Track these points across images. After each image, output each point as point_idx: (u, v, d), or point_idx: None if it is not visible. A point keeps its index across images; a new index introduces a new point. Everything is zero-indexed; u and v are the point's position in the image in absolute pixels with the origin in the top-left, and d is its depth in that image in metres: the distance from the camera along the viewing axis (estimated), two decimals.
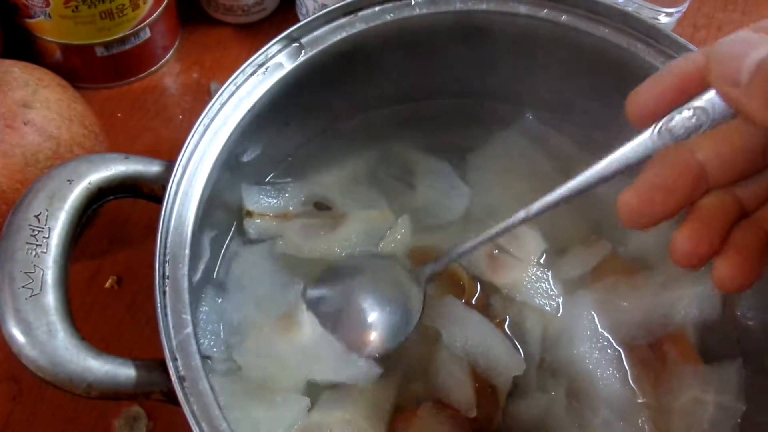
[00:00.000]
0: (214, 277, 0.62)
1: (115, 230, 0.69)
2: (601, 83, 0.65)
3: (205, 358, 0.57)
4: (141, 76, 0.78)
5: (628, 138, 0.66)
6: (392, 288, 0.60)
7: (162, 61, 0.78)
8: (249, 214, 0.63)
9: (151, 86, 0.78)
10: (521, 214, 0.49)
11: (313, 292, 0.60)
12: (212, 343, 0.59)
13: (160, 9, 0.73)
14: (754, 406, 0.59)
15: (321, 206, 0.66)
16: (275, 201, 0.64)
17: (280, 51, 0.56)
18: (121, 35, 0.71)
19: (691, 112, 0.38)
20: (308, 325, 0.60)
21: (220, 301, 0.60)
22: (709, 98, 0.37)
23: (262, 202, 0.64)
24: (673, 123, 0.38)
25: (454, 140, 0.70)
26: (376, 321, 0.59)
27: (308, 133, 0.67)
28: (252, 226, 0.63)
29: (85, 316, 0.66)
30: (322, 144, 0.68)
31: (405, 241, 0.64)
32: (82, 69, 0.74)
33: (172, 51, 0.79)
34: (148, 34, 0.73)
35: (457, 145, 0.70)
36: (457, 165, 0.69)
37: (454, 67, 0.67)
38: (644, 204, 0.37)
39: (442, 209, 0.67)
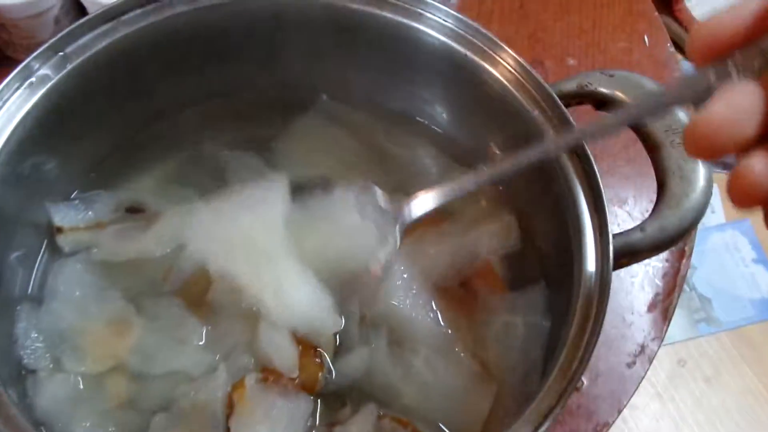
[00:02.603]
0: (29, 293, 0.63)
1: None
2: (382, 57, 0.70)
3: (30, 372, 0.59)
4: None
5: (419, 105, 0.72)
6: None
7: None
8: (59, 230, 0.65)
9: None
10: None
11: None
12: (35, 356, 0.60)
13: None
14: (556, 321, 0.63)
15: (134, 210, 0.68)
16: (85, 213, 0.66)
17: (44, 63, 0.58)
18: None
19: (757, 52, 0.37)
20: (140, 328, 0.62)
21: (37, 315, 0.61)
22: None
23: (71, 217, 0.65)
24: (736, 62, 0.37)
25: (258, 132, 0.73)
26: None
27: (108, 145, 0.68)
28: (64, 241, 0.65)
29: None
30: (126, 153, 0.70)
31: None
32: None
33: None
34: None
35: (260, 135, 0.73)
36: (264, 155, 0.72)
37: (241, 62, 0.71)
38: (714, 132, 0.36)
39: None
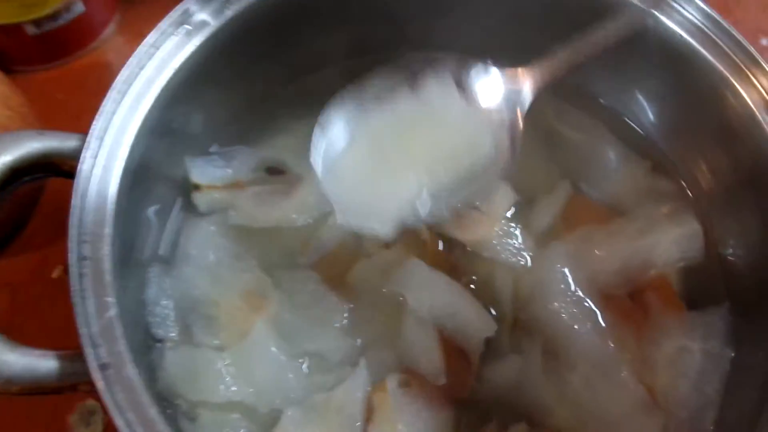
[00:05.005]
0: (159, 253, 0.58)
1: (62, 218, 0.66)
2: (555, 25, 0.60)
3: (157, 342, 0.55)
4: (80, 53, 0.74)
5: (619, 94, 0.64)
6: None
7: (102, 36, 0.74)
8: (197, 187, 0.60)
9: (92, 63, 0.74)
10: None
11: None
12: (164, 325, 0.55)
13: None
14: (744, 351, 0.56)
15: (274, 171, 0.62)
16: (224, 171, 0.61)
17: (203, 7, 0.52)
18: (51, 10, 0.67)
19: None
20: (277, 303, 0.57)
21: (168, 279, 0.56)
22: None
23: (210, 174, 0.60)
24: None
25: None
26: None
27: (252, 97, 0.62)
28: (201, 200, 0.60)
29: (33, 308, 0.62)
30: (269, 107, 0.64)
31: None
32: (13, 50, 0.70)
33: (111, 24, 0.75)
34: (81, 7, 0.70)
35: None
36: None
37: (395, 18, 0.63)
38: None
39: None
